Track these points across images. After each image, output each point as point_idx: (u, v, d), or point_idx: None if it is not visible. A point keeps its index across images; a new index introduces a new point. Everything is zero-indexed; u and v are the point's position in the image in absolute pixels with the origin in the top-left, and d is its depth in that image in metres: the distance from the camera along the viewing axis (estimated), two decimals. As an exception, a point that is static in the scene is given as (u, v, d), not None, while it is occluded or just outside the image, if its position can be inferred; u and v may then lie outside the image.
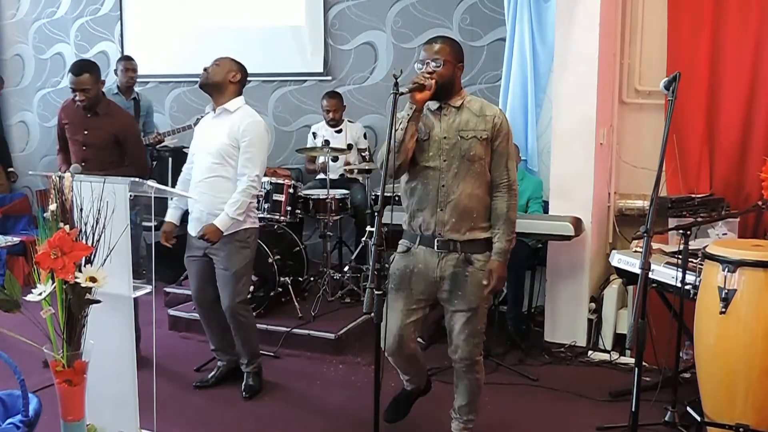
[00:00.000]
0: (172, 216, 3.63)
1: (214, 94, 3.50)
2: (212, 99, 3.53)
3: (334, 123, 5.40)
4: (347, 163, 5.27)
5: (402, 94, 2.55)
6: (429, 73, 2.69)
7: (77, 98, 3.85)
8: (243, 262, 3.52)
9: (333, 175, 5.11)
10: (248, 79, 3.61)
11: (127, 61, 5.49)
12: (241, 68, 3.55)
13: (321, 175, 5.39)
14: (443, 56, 2.73)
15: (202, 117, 3.86)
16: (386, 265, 5.04)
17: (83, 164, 3.92)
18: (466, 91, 2.87)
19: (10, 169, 6.66)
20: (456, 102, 2.79)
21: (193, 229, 3.55)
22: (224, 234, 3.41)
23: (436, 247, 2.79)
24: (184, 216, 3.66)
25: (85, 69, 3.86)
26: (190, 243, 3.61)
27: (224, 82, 3.48)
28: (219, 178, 3.45)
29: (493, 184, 2.83)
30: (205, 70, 3.51)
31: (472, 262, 2.78)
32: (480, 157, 2.76)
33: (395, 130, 2.56)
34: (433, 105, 2.80)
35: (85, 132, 3.95)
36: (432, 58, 2.73)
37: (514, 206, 2.84)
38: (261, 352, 3.78)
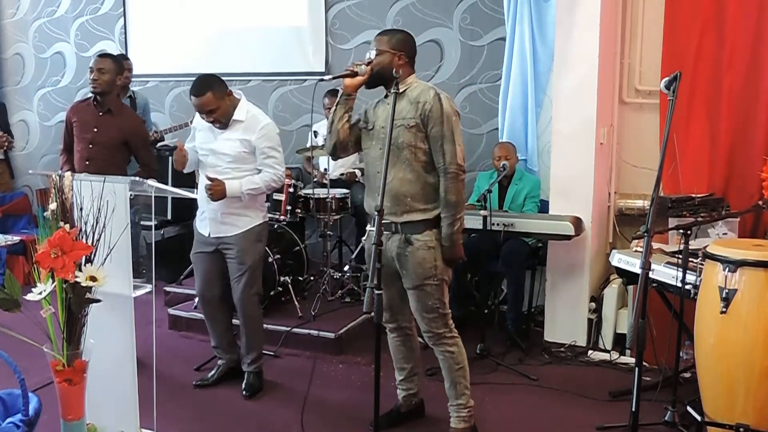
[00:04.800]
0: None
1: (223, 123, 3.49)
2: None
3: None
4: (349, 172, 5.29)
5: (330, 79, 2.98)
6: (367, 62, 2.97)
7: (92, 77, 3.91)
8: (257, 256, 3.58)
9: (333, 175, 5.11)
10: (248, 78, 3.58)
11: (122, 60, 5.44)
12: (221, 87, 3.40)
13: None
14: (379, 46, 2.99)
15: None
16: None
17: (87, 162, 3.92)
18: (417, 79, 3.03)
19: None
20: (398, 89, 2.92)
21: (204, 228, 3.57)
22: (239, 232, 3.49)
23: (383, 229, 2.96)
24: (189, 215, 3.64)
25: (110, 56, 4.08)
26: (198, 239, 3.63)
27: (227, 111, 3.43)
28: (234, 180, 3.45)
29: (434, 168, 2.95)
30: (211, 120, 3.43)
31: (412, 242, 2.95)
32: (408, 144, 2.91)
33: (331, 113, 3.02)
34: (383, 92, 3.06)
35: (95, 130, 3.97)
36: (371, 48, 3.02)
37: (453, 189, 2.92)
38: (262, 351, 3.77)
